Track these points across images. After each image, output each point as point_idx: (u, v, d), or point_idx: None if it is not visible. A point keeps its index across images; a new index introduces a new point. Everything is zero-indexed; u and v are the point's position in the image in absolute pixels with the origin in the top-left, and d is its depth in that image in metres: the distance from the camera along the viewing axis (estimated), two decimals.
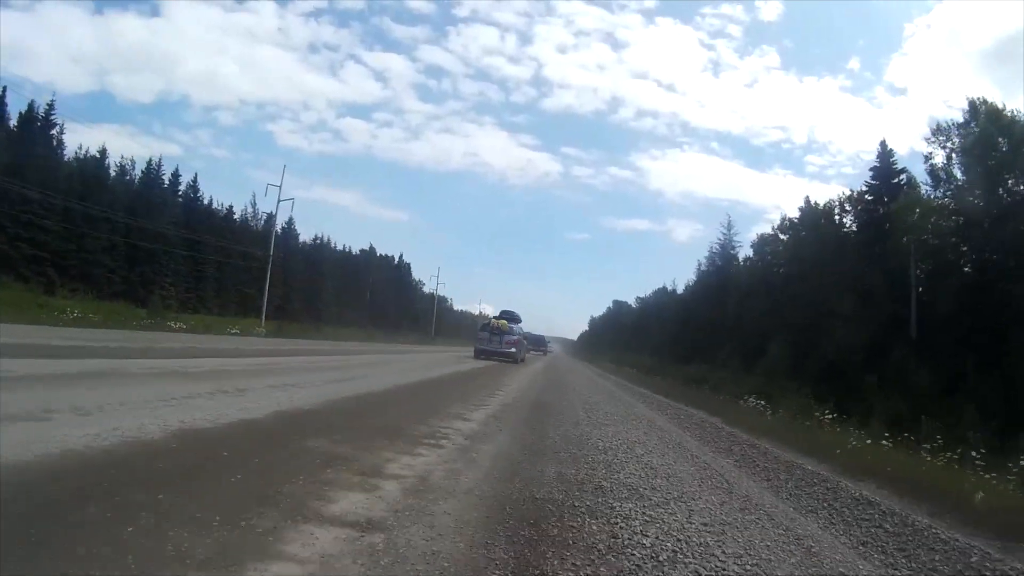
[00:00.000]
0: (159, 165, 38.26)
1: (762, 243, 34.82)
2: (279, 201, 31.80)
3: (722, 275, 35.13)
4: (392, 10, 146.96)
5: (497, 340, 23.44)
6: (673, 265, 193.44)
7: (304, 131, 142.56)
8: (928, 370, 15.28)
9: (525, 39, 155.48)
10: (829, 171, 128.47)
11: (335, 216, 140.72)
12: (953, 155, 21.99)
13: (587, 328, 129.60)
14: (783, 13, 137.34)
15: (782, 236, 32.65)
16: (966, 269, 18.94)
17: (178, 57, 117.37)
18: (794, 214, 32.33)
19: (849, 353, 16.73)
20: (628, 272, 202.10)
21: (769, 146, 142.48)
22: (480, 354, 23.21)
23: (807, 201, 31.23)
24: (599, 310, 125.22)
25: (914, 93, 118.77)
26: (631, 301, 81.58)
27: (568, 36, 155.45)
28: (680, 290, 56.99)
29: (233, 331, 22.26)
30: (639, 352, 48.48)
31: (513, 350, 23.44)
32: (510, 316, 25.73)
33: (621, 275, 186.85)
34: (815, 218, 30.22)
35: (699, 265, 44.53)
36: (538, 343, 54.00)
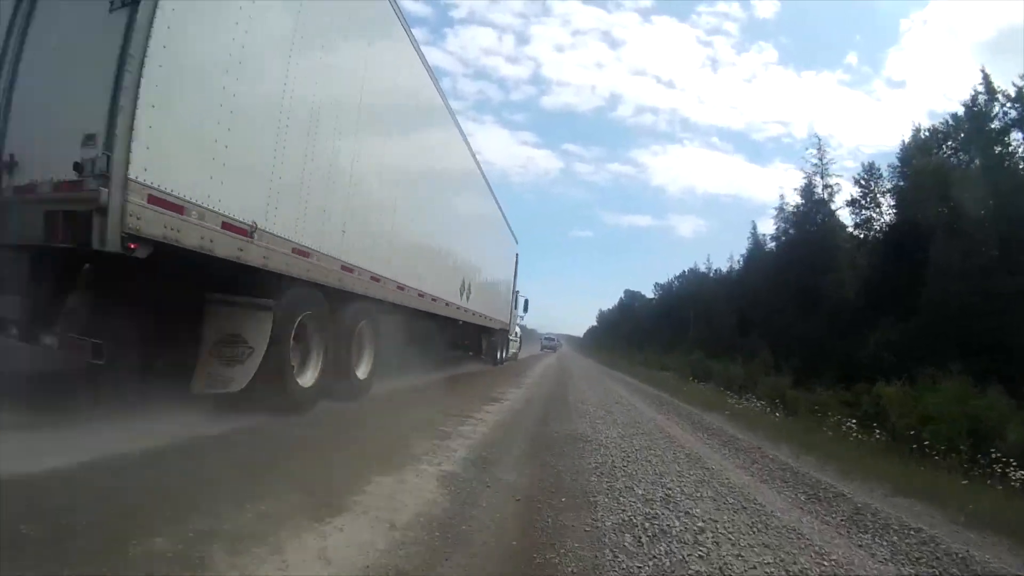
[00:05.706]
0: None
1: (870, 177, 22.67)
2: None
3: (810, 230, 22.98)
4: None
5: (549, 341, 54.87)
6: (678, 259, 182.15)
7: None
8: None
9: (522, 39, 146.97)
10: (831, 165, 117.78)
11: None
12: None
13: (595, 323, 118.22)
14: (779, 11, 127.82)
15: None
16: None
17: None
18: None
19: None
20: (632, 267, 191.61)
21: (770, 140, 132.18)
22: (544, 348, 48.64)
23: (985, 84, 18.92)
24: (605, 305, 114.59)
25: (913, 86, 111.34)
26: (644, 292, 70.30)
27: (565, 35, 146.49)
28: (713, 271, 45.23)
29: None
30: (671, 349, 36.23)
31: (555, 344, 57.01)
32: (551, 336, 61.25)
33: (625, 271, 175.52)
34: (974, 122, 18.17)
35: (753, 228, 32.59)
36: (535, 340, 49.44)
